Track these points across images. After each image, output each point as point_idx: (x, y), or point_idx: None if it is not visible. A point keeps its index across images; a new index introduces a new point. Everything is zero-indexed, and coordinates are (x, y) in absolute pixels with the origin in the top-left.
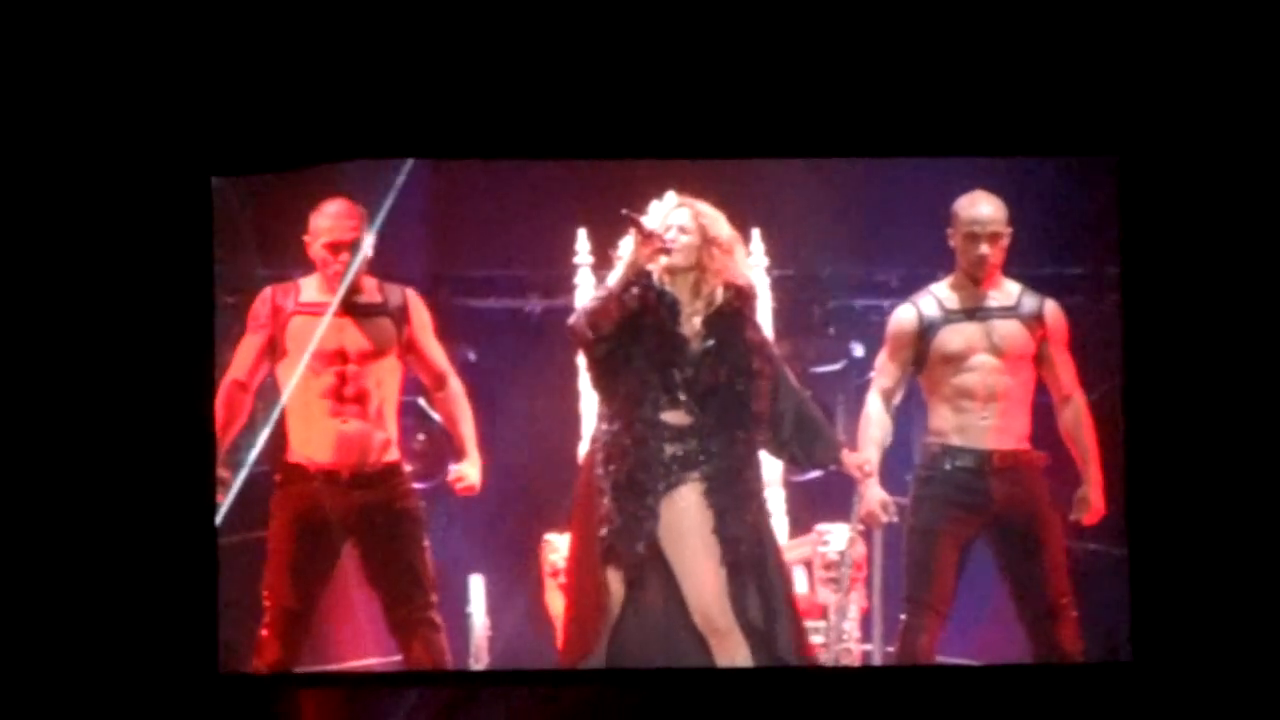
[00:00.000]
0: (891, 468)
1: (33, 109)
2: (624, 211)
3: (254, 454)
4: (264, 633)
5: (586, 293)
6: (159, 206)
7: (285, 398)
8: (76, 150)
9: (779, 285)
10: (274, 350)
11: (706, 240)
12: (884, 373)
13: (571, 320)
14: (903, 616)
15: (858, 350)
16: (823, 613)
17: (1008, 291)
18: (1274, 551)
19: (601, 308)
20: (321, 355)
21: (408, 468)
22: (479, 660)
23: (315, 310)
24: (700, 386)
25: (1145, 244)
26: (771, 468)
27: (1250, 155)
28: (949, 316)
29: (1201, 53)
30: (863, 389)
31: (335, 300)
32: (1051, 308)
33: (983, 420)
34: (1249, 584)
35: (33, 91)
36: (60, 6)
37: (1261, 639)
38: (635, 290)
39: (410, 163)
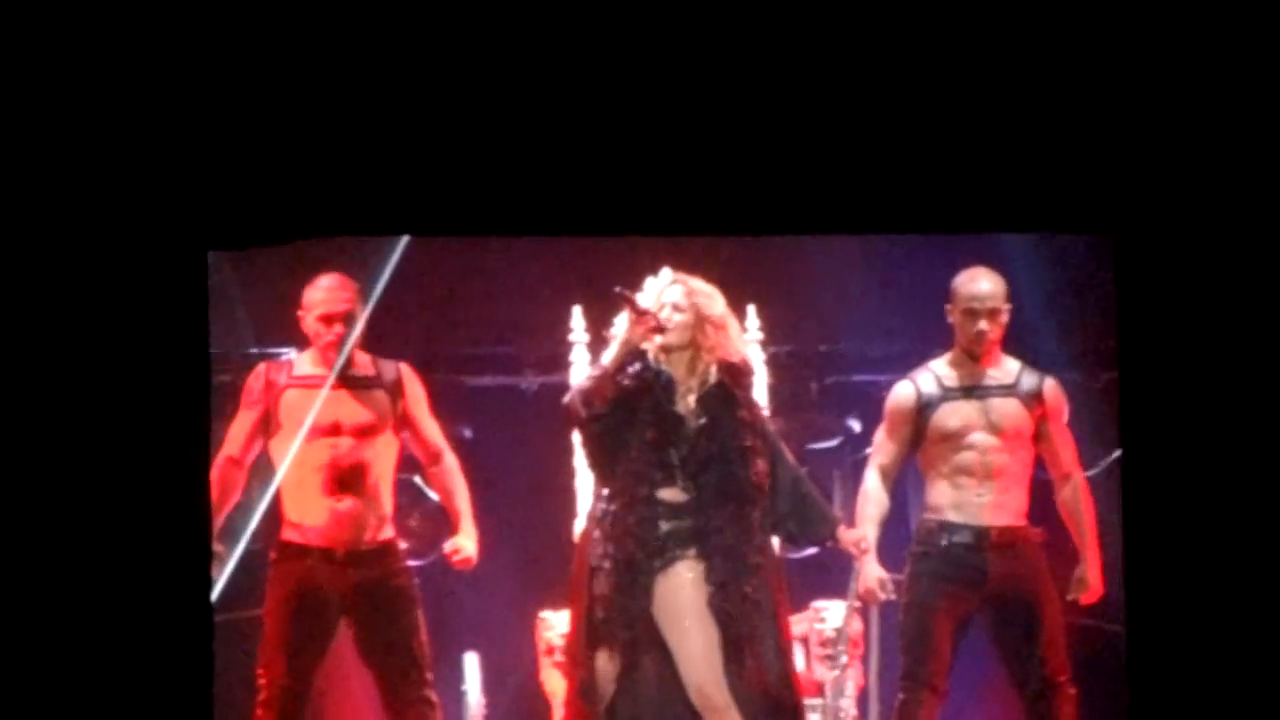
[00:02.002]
0: (887, 543)
1: (27, 183)
2: (618, 290)
3: (249, 531)
4: (259, 711)
5: (582, 370)
6: (154, 281)
7: (280, 474)
8: (72, 226)
9: (775, 361)
10: (268, 426)
11: (700, 318)
12: (882, 450)
13: (566, 399)
14: (900, 694)
15: (854, 426)
16: (819, 690)
17: (1006, 369)
18: (1274, 634)
19: (596, 387)
20: (316, 429)
21: (403, 545)
22: None
23: (310, 383)
24: (695, 464)
25: (1142, 320)
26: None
27: (1246, 231)
28: (947, 394)
29: (1195, 130)
30: (859, 465)
31: (333, 373)
32: (1051, 386)
33: (980, 497)
34: (1248, 666)
35: (27, 165)
36: (55, 76)
37: None
38: (630, 369)
39: (405, 239)
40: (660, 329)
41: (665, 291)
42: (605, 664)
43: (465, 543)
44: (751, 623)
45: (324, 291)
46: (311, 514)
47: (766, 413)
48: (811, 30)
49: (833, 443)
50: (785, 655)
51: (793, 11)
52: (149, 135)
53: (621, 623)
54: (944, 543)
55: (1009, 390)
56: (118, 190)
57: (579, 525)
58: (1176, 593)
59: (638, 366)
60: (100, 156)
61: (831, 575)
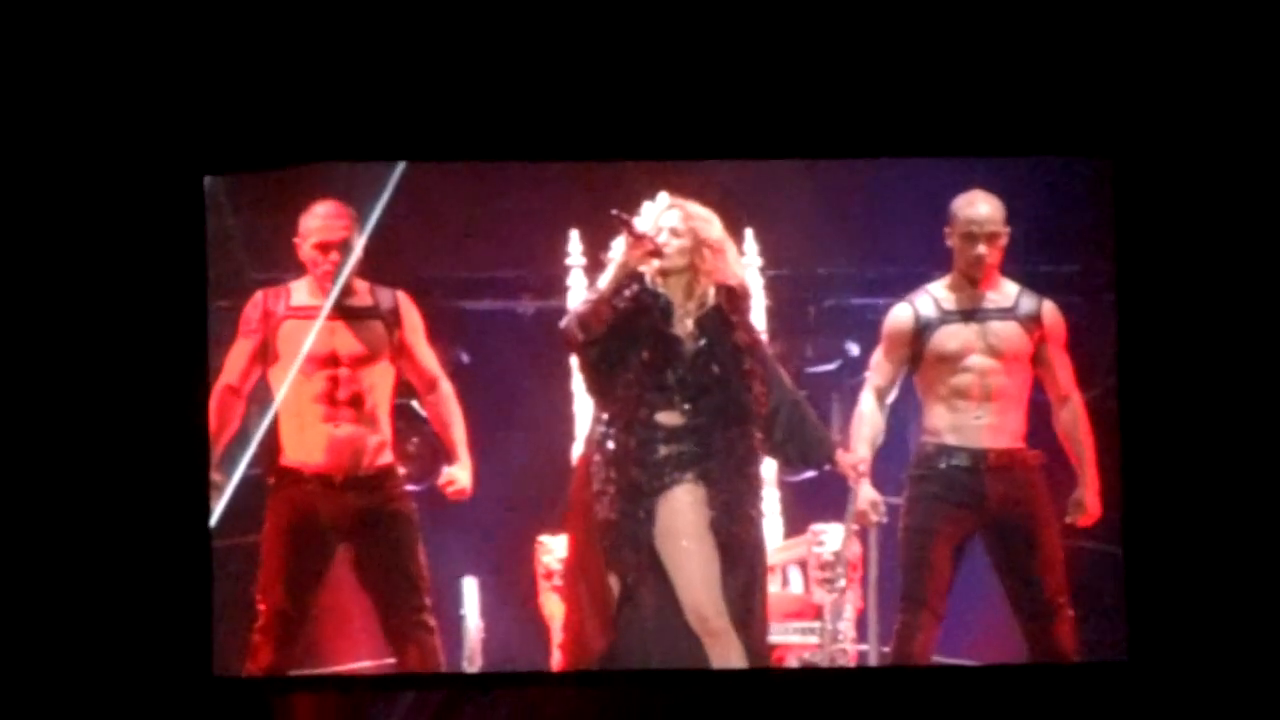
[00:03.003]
0: (886, 467)
1: (23, 110)
2: (615, 213)
3: (247, 458)
4: (257, 636)
5: (579, 294)
6: (151, 206)
7: (278, 402)
8: (69, 152)
9: (773, 285)
10: (266, 354)
11: (698, 241)
12: (878, 371)
13: (563, 323)
14: (899, 616)
15: (853, 350)
16: (818, 613)
17: (1005, 292)
18: (1270, 550)
19: (593, 311)
20: (313, 359)
21: (401, 470)
22: (473, 663)
23: (306, 314)
24: (694, 387)
25: (1141, 243)
26: (766, 468)
27: (1244, 156)
28: (945, 317)
29: (1196, 55)
30: (857, 388)
31: (327, 304)
32: (1049, 309)
33: (977, 419)
34: (1245, 583)
35: (24, 93)
36: (52, 6)
37: (1257, 638)
38: (628, 293)
39: (402, 164)
40: (658, 252)
41: (663, 215)
42: (610, 588)
43: (460, 473)
44: (751, 546)
45: (320, 219)
46: (309, 440)
47: (764, 336)
48: None
49: (831, 366)
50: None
51: None
52: (145, 61)
53: (630, 547)
54: (942, 466)
55: (1007, 313)
56: (114, 115)
57: (577, 449)
58: (1174, 514)
59: (635, 290)
60: (97, 83)
61: (830, 498)
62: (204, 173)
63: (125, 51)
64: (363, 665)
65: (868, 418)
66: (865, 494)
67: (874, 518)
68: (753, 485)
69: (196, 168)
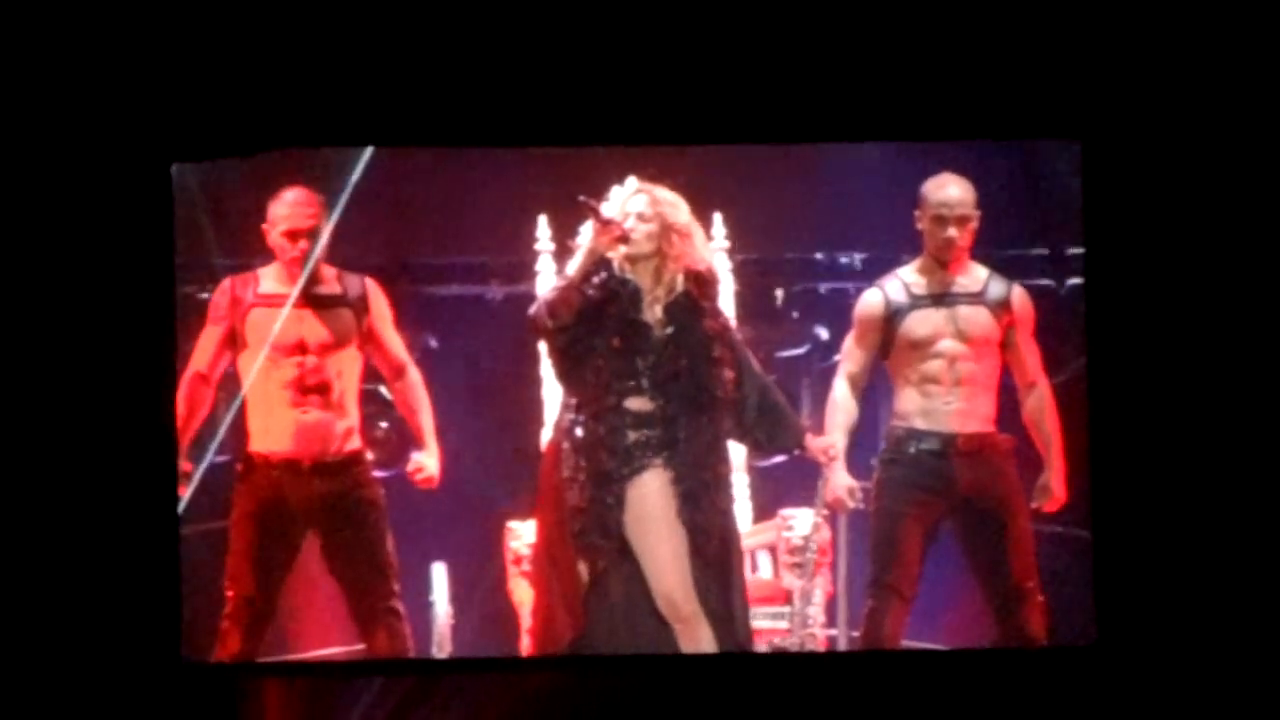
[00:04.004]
0: (856, 451)
1: None
2: (581, 199)
3: (215, 445)
4: (226, 623)
5: (548, 279)
6: (118, 193)
7: (246, 389)
8: (36, 140)
9: (742, 270)
10: (234, 341)
11: (665, 226)
12: (850, 358)
13: (532, 310)
14: (868, 601)
15: (822, 334)
16: (787, 598)
17: (975, 276)
18: (1237, 534)
19: (561, 297)
20: (281, 347)
21: (370, 456)
22: (442, 649)
23: (275, 302)
24: (663, 373)
25: (1109, 227)
26: (735, 453)
27: (1213, 139)
28: (915, 302)
29: (1163, 37)
30: (827, 373)
31: (294, 292)
32: (1019, 294)
33: (948, 404)
34: (1212, 566)
35: None
36: None
37: (1224, 621)
38: (596, 279)
39: (369, 150)
40: (625, 238)
41: (630, 200)
42: (580, 574)
43: (428, 461)
44: (721, 532)
45: (289, 206)
46: (277, 426)
47: (733, 321)
48: None
49: (800, 350)
50: (741, 566)
51: None
52: (112, 47)
53: (599, 533)
54: (912, 450)
55: (977, 298)
56: (82, 102)
57: (546, 435)
58: (1142, 499)
59: (603, 276)
60: (64, 70)
61: (799, 483)
62: (172, 160)
63: (92, 39)
64: (332, 651)
65: (841, 404)
66: (841, 479)
67: (850, 503)
68: (722, 471)
69: (164, 155)
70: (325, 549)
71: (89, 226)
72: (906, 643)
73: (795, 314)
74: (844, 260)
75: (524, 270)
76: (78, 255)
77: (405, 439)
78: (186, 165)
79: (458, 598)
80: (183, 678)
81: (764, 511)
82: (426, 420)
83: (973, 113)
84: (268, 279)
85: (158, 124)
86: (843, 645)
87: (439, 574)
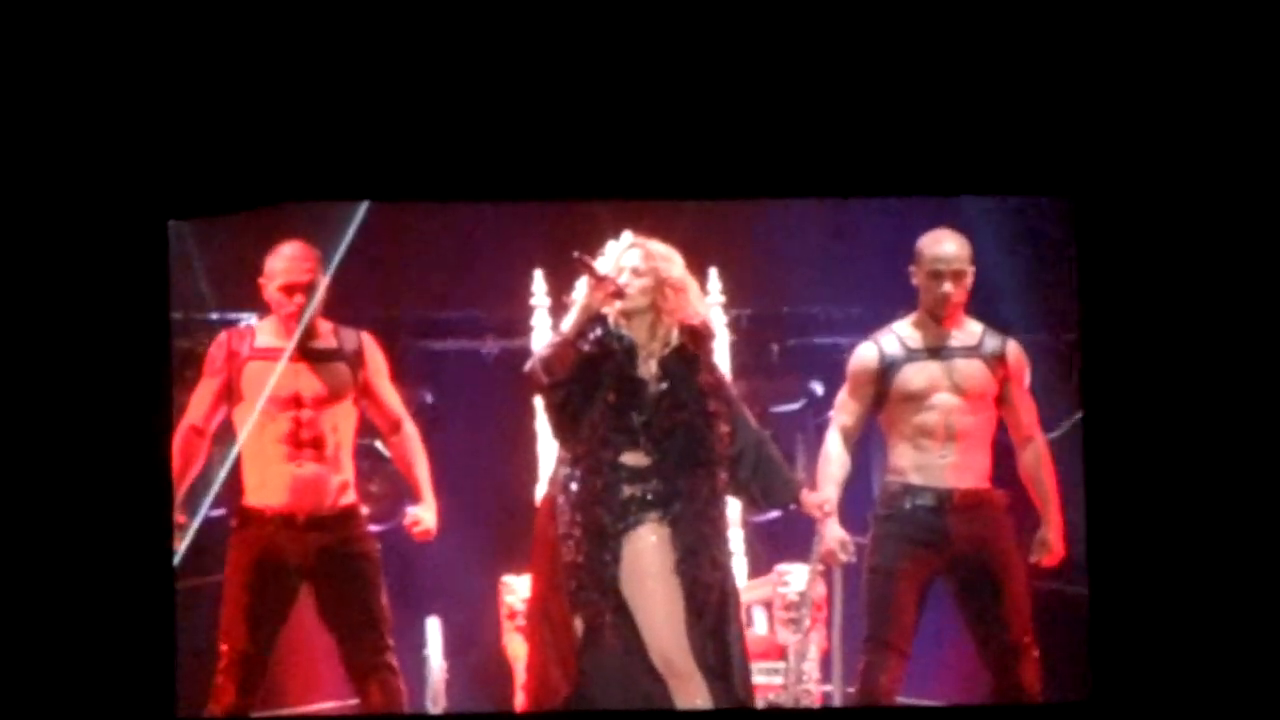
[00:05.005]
0: (851, 506)
1: None
2: (576, 255)
3: (210, 498)
4: (220, 678)
5: (543, 334)
6: (115, 250)
7: (240, 442)
8: (35, 197)
9: (737, 324)
10: (230, 395)
11: (660, 281)
12: (844, 411)
13: (528, 366)
14: (864, 656)
15: (817, 389)
16: (783, 653)
17: (970, 331)
18: (1232, 591)
19: (557, 353)
20: (277, 400)
21: (364, 510)
22: (436, 703)
23: (270, 355)
24: (658, 428)
25: (1103, 282)
26: (730, 508)
27: (1204, 195)
28: (911, 355)
29: (1154, 95)
30: (822, 427)
31: (290, 346)
32: (1014, 348)
33: (942, 459)
34: (1209, 626)
35: None
36: (16, 48)
37: (1217, 680)
38: (591, 334)
39: (365, 204)
40: (620, 293)
41: (624, 255)
42: (574, 629)
43: (424, 514)
44: (718, 588)
45: (285, 261)
46: (272, 480)
47: (729, 376)
48: None
49: (795, 405)
50: (741, 621)
51: None
52: (110, 106)
53: (595, 589)
54: (907, 506)
55: (972, 351)
56: (79, 160)
57: (541, 490)
58: (1138, 555)
59: (598, 332)
60: (62, 127)
61: (794, 539)
62: (168, 217)
63: (90, 97)
64: (326, 706)
65: (835, 458)
66: (834, 533)
67: (843, 557)
68: (718, 526)
69: (161, 212)
70: (320, 603)
71: (86, 282)
72: (902, 699)
73: (790, 369)
74: (838, 314)
75: (519, 325)
76: (75, 311)
77: (400, 493)
78: (184, 224)
79: (452, 652)
80: None
81: (759, 567)
82: (423, 473)
83: (967, 169)
84: (264, 333)
85: (154, 181)
86: (838, 701)
87: (433, 628)
